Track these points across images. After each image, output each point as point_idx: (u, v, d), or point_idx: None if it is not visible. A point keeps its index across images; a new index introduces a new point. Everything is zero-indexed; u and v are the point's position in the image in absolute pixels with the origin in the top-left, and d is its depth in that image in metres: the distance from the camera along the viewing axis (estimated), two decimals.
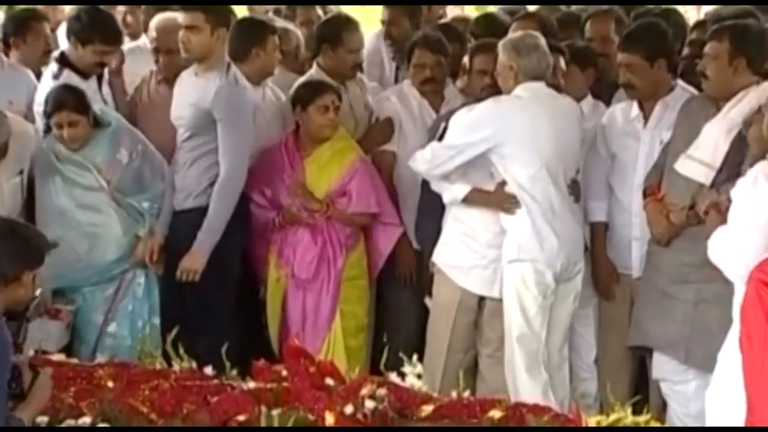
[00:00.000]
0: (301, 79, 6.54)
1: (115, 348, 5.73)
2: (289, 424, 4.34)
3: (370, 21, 8.65)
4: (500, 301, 5.93)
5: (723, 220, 4.82)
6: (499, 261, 5.91)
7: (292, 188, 6.20)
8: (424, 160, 5.98)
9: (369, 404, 4.41)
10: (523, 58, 5.84)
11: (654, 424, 4.57)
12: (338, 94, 6.29)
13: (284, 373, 4.70)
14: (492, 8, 9.32)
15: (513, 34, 6.20)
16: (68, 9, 7.54)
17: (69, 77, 6.18)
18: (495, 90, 5.97)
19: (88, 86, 6.17)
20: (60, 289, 5.82)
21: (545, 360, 5.87)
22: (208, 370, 4.82)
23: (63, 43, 6.84)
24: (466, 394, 4.69)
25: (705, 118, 5.60)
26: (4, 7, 9.03)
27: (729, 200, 4.78)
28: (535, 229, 5.81)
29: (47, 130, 5.94)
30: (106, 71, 6.41)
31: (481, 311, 6.08)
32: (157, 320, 5.95)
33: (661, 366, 5.77)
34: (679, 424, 5.65)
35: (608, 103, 6.51)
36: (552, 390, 5.85)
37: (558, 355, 6.00)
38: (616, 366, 6.16)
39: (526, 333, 5.83)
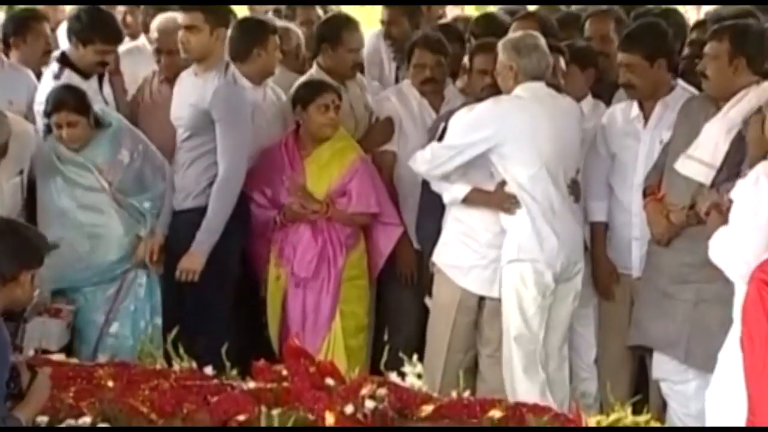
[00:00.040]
0: (301, 79, 6.54)
1: (117, 348, 5.73)
2: (289, 424, 4.34)
3: (370, 21, 8.65)
4: (500, 301, 5.93)
5: (724, 221, 4.82)
6: (499, 261, 5.91)
7: (291, 191, 6.20)
8: (424, 161, 5.98)
9: (369, 404, 4.41)
10: (523, 58, 5.84)
11: (654, 424, 4.57)
12: (338, 94, 6.29)
13: (284, 373, 4.70)
14: (492, 8, 9.32)
15: (513, 34, 6.20)
16: (68, 9, 7.54)
17: (70, 77, 6.18)
18: (495, 90, 5.97)
19: (89, 86, 6.17)
20: (61, 289, 5.82)
21: (543, 360, 5.87)
22: (208, 370, 4.82)
23: (63, 43, 6.85)
24: (466, 394, 4.69)
25: (705, 118, 5.60)
26: (4, 7, 9.04)
27: (730, 201, 4.78)
28: (535, 229, 5.81)
29: (48, 130, 5.94)
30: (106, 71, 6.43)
31: (481, 311, 6.08)
32: (159, 320, 5.94)
33: (661, 366, 5.77)
34: (679, 424, 5.65)
35: (608, 103, 6.51)
36: (552, 390, 5.85)
37: (558, 355, 6.00)
38: (616, 366, 6.16)
39: (524, 333, 5.83)
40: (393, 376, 4.69)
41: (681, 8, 8.59)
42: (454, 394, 4.65)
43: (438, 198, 6.08)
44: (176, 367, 4.84)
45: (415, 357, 4.80)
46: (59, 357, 5.11)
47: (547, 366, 5.90)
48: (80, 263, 5.84)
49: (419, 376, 4.73)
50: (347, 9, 8.27)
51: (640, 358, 6.09)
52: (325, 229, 6.20)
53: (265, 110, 6.39)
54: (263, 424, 4.36)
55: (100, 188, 5.90)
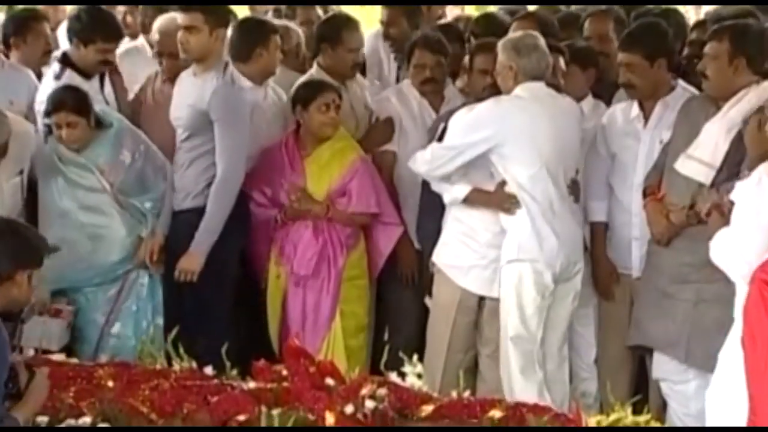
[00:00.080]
0: (301, 79, 6.54)
1: (119, 348, 5.73)
2: (289, 424, 4.34)
3: (370, 21, 8.64)
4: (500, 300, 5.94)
5: (725, 222, 4.82)
6: (499, 261, 5.91)
7: (291, 193, 6.19)
8: (424, 162, 5.97)
9: (369, 404, 4.41)
10: (522, 58, 5.84)
11: (654, 424, 4.57)
12: (339, 93, 6.28)
13: (284, 373, 4.70)
14: (492, 8, 9.32)
15: (513, 34, 6.20)
16: (69, 9, 7.54)
17: (71, 77, 6.17)
18: (496, 90, 5.97)
19: (90, 86, 6.16)
20: (61, 289, 5.82)
21: (540, 359, 5.87)
22: (208, 370, 4.82)
23: (63, 43, 6.84)
24: (466, 394, 4.70)
25: (705, 118, 5.60)
26: (4, 7, 9.04)
27: (731, 202, 4.78)
28: (535, 229, 5.81)
29: (49, 131, 5.93)
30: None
31: (481, 311, 6.08)
32: (160, 320, 5.93)
33: (661, 366, 5.77)
34: (679, 424, 5.65)
35: (608, 103, 6.51)
36: (552, 390, 5.85)
37: (558, 355, 6.00)
38: (616, 366, 6.16)
39: (521, 333, 5.83)
40: (393, 376, 4.69)
41: (681, 8, 8.59)
42: (454, 394, 4.65)
43: (438, 198, 6.08)
44: (176, 367, 4.84)
45: (415, 357, 4.80)
46: (59, 357, 5.11)
47: (547, 366, 5.90)
48: (82, 264, 5.83)
49: (419, 376, 4.73)
50: (347, 9, 8.27)
51: (640, 358, 6.09)
52: (325, 229, 6.20)
53: (266, 110, 6.38)
54: (263, 424, 4.36)
55: (102, 189, 5.90)
